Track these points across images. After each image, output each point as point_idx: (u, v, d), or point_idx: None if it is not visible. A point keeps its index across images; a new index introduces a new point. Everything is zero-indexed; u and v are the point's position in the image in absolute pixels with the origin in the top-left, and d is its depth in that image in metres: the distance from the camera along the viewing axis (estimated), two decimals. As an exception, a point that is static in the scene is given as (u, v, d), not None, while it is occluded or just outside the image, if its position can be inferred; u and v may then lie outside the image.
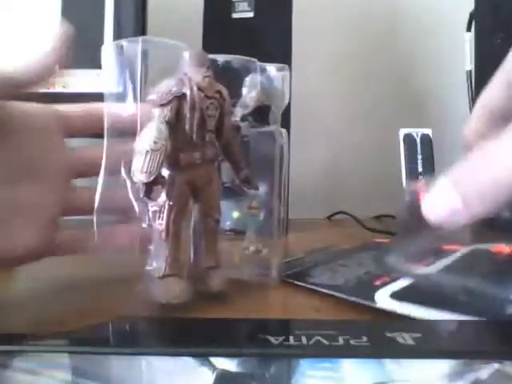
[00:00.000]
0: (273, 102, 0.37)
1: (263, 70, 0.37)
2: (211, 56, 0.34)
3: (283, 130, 0.38)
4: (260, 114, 0.37)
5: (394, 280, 0.34)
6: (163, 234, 0.31)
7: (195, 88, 0.31)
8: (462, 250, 0.39)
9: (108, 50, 0.34)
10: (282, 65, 0.37)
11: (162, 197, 0.31)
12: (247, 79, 0.37)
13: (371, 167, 0.83)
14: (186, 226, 0.33)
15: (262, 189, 0.37)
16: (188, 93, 0.31)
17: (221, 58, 0.36)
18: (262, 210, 0.38)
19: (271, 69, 0.37)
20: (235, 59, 0.36)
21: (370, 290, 0.33)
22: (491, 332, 0.28)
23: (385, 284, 0.34)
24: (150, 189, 0.30)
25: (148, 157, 0.30)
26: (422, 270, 0.35)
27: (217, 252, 0.34)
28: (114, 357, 0.25)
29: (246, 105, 0.37)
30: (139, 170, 0.30)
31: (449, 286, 0.32)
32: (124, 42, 0.32)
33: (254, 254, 0.38)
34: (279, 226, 0.38)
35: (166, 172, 0.32)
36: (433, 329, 0.29)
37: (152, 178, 0.30)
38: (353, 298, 0.32)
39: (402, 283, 0.34)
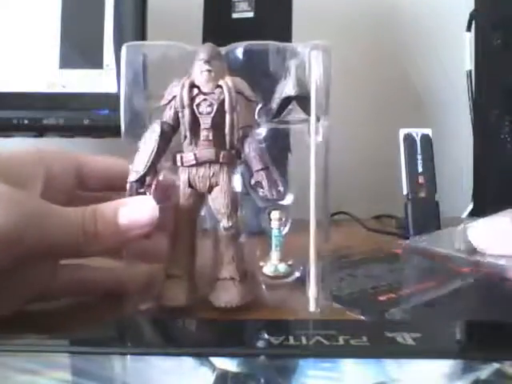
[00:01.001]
0: (304, 92, 0.31)
1: (296, 54, 0.31)
2: (234, 45, 0.32)
3: (321, 123, 0.31)
4: (301, 105, 0.32)
5: (400, 297, 0.33)
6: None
7: (187, 85, 0.30)
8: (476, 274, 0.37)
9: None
10: (316, 42, 0.31)
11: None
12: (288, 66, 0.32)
13: (371, 167, 0.83)
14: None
15: (291, 197, 0.32)
16: (178, 91, 0.30)
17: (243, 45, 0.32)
18: (286, 223, 0.32)
19: (304, 50, 0.31)
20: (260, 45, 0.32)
21: (373, 305, 0.32)
22: (491, 332, 0.28)
23: (390, 300, 0.32)
24: (139, 187, 0.30)
25: (137, 156, 0.30)
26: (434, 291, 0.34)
27: (231, 264, 0.31)
28: (114, 357, 0.25)
29: (278, 97, 0.32)
30: (131, 169, 0.30)
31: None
32: (125, 46, 0.32)
33: (280, 276, 0.32)
34: (318, 243, 0.30)
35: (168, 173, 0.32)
36: (433, 329, 0.29)
37: (138, 177, 0.30)
38: (351, 312, 0.31)
39: (410, 301, 0.33)
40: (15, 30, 0.58)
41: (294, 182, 0.32)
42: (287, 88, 0.31)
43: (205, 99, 0.30)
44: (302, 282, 0.31)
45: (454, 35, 0.74)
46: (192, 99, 0.30)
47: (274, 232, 0.32)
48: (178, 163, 0.31)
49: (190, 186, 0.31)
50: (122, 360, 0.25)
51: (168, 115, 0.31)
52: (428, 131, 0.59)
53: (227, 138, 0.30)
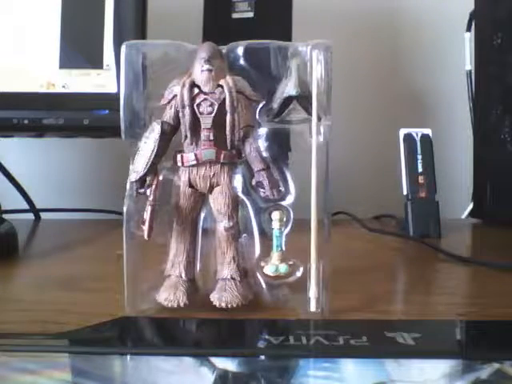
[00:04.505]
0: (305, 91, 0.31)
1: (297, 53, 0.31)
2: (235, 44, 0.31)
3: (322, 123, 0.30)
4: (302, 104, 0.31)
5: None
6: (145, 234, 0.29)
7: (187, 84, 0.30)
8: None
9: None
10: (317, 41, 0.30)
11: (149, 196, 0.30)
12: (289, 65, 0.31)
13: (371, 167, 0.83)
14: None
15: (292, 197, 0.31)
16: (178, 91, 0.30)
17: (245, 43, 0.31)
18: (287, 224, 0.31)
19: (305, 49, 0.31)
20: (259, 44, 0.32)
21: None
22: (491, 332, 0.28)
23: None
24: (139, 187, 0.30)
25: (137, 156, 0.30)
26: None
27: (231, 263, 0.31)
28: (114, 357, 0.25)
29: (279, 97, 0.31)
30: (131, 169, 0.30)
31: None
32: (125, 45, 0.32)
33: (280, 277, 0.31)
34: (319, 243, 0.30)
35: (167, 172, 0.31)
36: (433, 329, 0.29)
37: (138, 177, 0.30)
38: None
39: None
40: (15, 30, 0.58)
41: (294, 182, 0.32)
42: (288, 87, 0.31)
43: (205, 99, 0.30)
44: (303, 282, 0.31)
45: (454, 35, 0.74)
46: (192, 99, 0.30)
47: (275, 232, 0.31)
48: (179, 163, 0.31)
49: (191, 185, 0.31)
50: (121, 360, 0.25)
51: (168, 115, 0.30)
52: (428, 131, 0.59)
53: (228, 138, 0.30)
